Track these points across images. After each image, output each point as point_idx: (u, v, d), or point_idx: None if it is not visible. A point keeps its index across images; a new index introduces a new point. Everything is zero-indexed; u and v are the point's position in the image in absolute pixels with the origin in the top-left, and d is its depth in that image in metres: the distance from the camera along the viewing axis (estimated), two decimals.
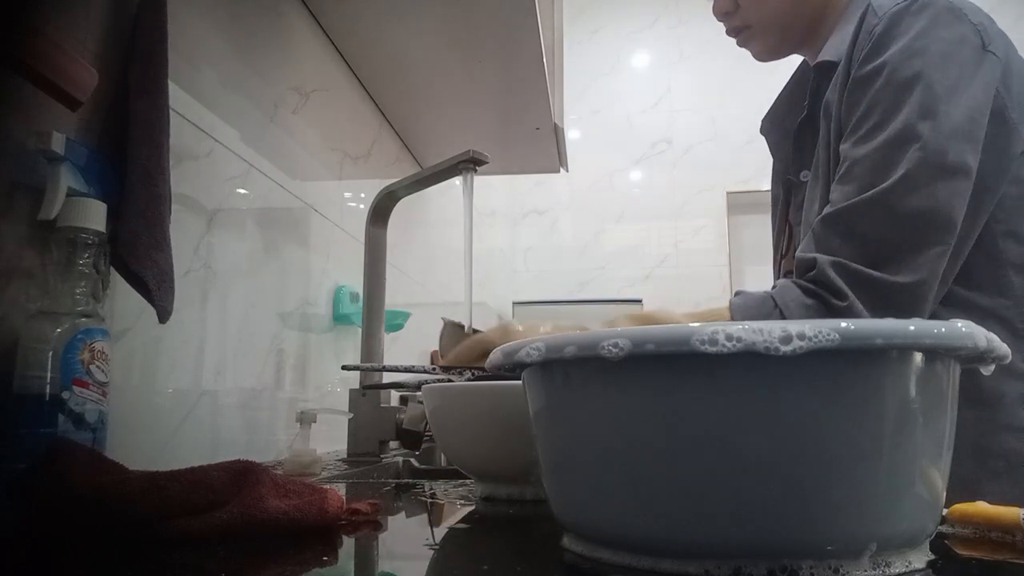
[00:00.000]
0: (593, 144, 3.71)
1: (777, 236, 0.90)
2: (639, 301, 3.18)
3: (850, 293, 0.64)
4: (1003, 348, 0.31)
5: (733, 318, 0.66)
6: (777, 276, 0.89)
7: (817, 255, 0.66)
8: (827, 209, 0.68)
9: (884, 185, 0.65)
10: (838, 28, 0.77)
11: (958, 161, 0.65)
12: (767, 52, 0.84)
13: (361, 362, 1.11)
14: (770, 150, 0.91)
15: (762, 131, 0.92)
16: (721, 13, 0.83)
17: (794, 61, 0.91)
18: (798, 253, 0.70)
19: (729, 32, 0.85)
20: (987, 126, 0.68)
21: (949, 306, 0.71)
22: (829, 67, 0.74)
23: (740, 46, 0.86)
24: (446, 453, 0.61)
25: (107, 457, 0.44)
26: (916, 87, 0.66)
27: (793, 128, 0.83)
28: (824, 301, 0.64)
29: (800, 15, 0.80)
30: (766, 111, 0.91)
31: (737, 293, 0.71)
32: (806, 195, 0.78)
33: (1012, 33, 0.75)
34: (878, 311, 0.63)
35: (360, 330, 1.14)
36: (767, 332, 0.27)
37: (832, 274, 0.64)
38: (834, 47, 0.74)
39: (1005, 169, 0.70)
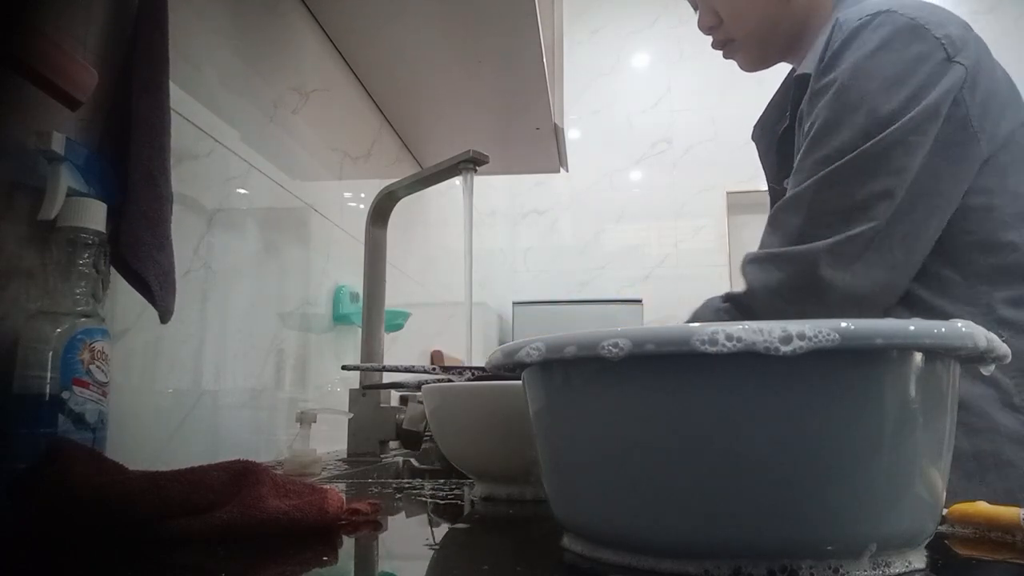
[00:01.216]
0: (593, 144, 3.72)
1: None
2: (639, 301, 3.18)
3: (751, 281, 0.71)
4: (1003, 348, 0.31)
5: None
6: None
7: (744, 260, 0.73)
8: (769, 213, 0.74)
9: (808, 183, 0.69)
10: (817, 42, 0.77)
11: (884, 166, 0.67)
12: (751, 63, 0.87)
13: (361, 362, 1.11)
14: (759, 156, 0.93)
15: (753, 138, 0.93)
16: (705, 28, 0.87)
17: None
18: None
19: (714, 45, 0.87)
20: (948, 132, 0.68)
21: (914, 309, 0.71)
22: (805, 79, 0.76)
23: (726, 58, 0.89)
24: (446, 453, 0.61)
25: (107, 457, 0.44)
26: (860, 110, 0.68)
27: (776, 138, 0.86)
28: (732, 299, 0.72)
29: (780, 29, 0.82)
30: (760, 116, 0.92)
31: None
32: None
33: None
34: (765, 266, 0.70)
35: (360, 330, 1.14)
36: (767, 332, 0.27)
37: (744, 267, 0.72)
38: (810, 60, 0.76)
39: (964, 177, 0.70)
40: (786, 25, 0.82)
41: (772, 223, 0.73)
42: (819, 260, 0.67)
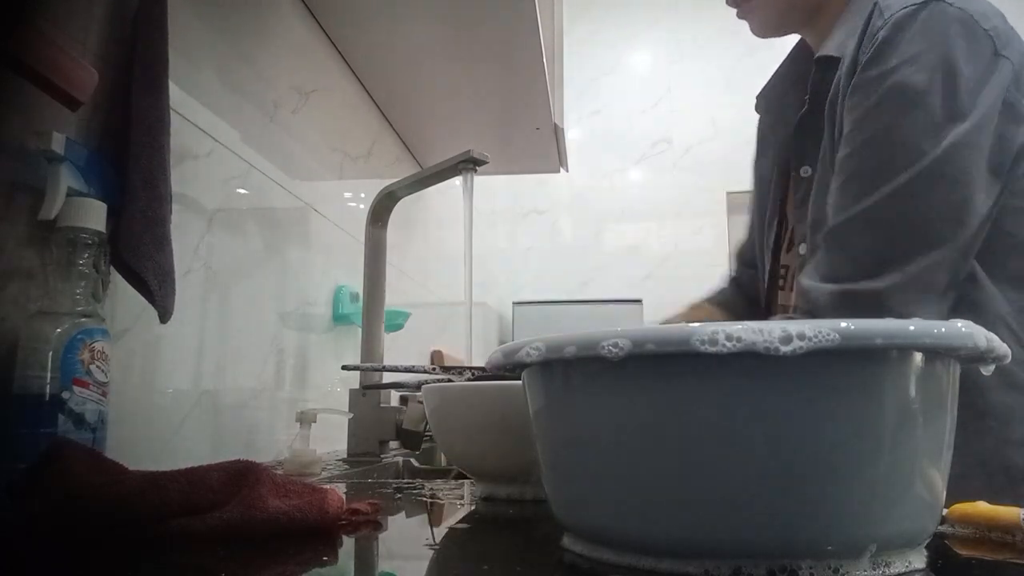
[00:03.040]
0: (593, 144, 3.71)
1: (767, 224, 0.87)
2: (639, 301, 3.18)
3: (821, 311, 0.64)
4: (1003, 348, 0.31)
5: None
6: (768, 269, 0.86)
7: (810, 286, 0.65)
8: (828, 226, 0.68)
9: (876, 198, 0.64)
10: (843, 20, 0.74)
11: (955, 173, 0.64)
12: (765, 27, 0.81)
13: (361, 362, 1.11)
14: (763, 129, 0.89)
15: (757, 109, 0.89)
16: None
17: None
18: (800, 278, 0.69)
19: (729, 2, 0.82)
20: (999, 124, 0.65)
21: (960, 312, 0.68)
22: (830, 62, 0.72)
23: (739, 18, 0.83)
24: (446, 453, 0.61)
25: (107, 457, 0.44)
26: (919, 104, 0.64)
27: (794, 120, 0.81)
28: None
29: None
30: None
31: None
32: (809, 192, 0.76)
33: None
34: (840, 310, 0.64)
35: (360, 330, 1.14)
36: (767, 332, 0.27)
37: (821, 302, 0.64)
38: (837, 42, 0.72)
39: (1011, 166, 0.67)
40: None
41: (839, 243, 0.67)
42: (891, 302, 0.63)
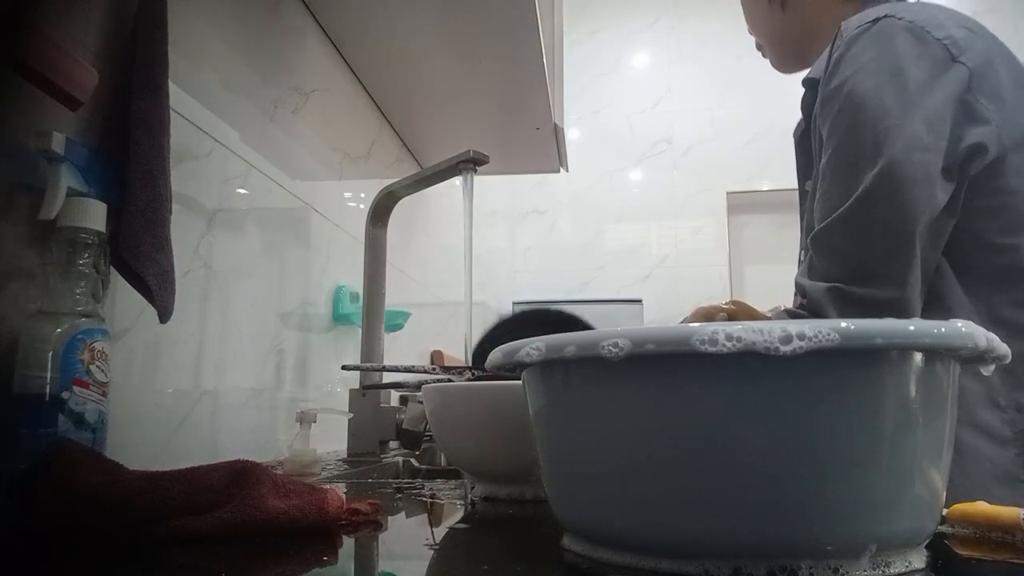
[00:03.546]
0: (593, 144, 3.71)
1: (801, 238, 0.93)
2: (639, 301, 3.17)
3: (836, 315, 0.66)
4: (1003, 348, 0.31)
5: None
6: None
7: (806, 283, 0.70)
8: (815, 225, 0.72)
9: (849, 202, 0.68)
10: (824, 47, 0.80)
11: (917, 171, 0.67)
12: (775, 65, 0.94)
13: (361, 362, 1.11)
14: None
15: (794, 135, 0.95)
16: (749, 33, 0.96)
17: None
18: (796, 277, 0.74)
19: (757, 47, 0.96)
20: (954, 123, 0.69)
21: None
22: (811, 84, 0.79)
23: (764, 57, 0.96)
24: (446, 453, 0.61)
25: (107, 457, 0.44)
26: (869, 105, 0.68)
27: (797, 140, 0.89)
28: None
29: (790, 36, 0.88)
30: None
31: None
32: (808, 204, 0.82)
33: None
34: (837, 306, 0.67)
35: (360, 330, 1.14)
36: (767, 332, 0.27)
37: (821, 300, 0.67)
38: (817, 65, 0.80)
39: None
40: (796, 32, 0.87)
41: (825, 246, 0.70)
42: (881, 308, 0.67)
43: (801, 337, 0.27)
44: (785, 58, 0.91)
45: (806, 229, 0.79)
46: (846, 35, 0.73)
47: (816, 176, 0.78)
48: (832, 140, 0.71)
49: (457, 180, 1.01)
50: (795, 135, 0.92)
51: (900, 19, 0.71)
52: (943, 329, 0.29)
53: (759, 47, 0.95)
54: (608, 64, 3.81)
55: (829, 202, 0.71)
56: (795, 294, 0.78)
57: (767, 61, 0.96)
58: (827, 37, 0.81)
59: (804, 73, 0.89)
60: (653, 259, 3.59)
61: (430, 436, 1.03)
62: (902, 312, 0.67)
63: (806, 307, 0.70)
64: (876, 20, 0.72)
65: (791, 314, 0.72)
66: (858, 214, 0.68)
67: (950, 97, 0.68)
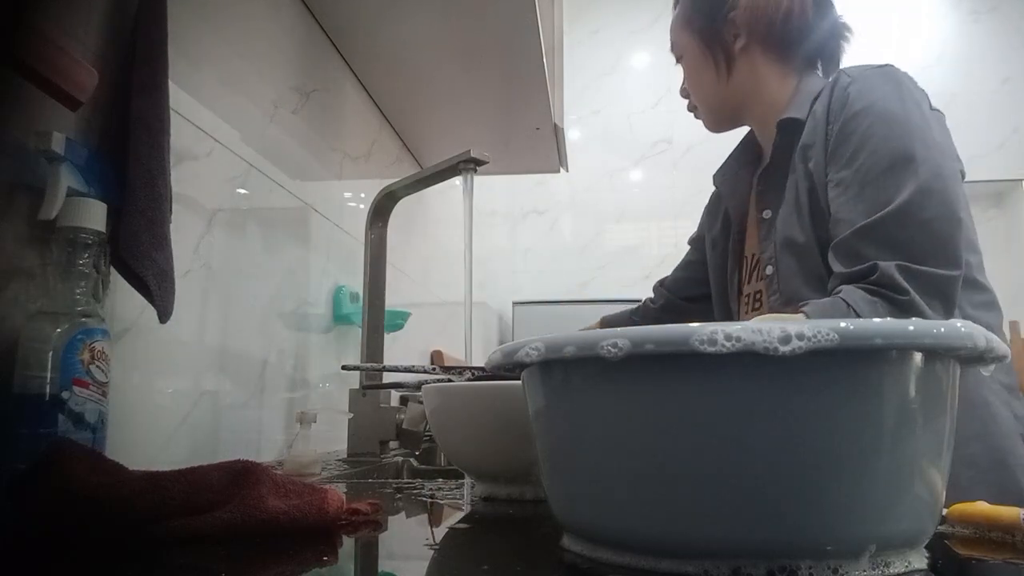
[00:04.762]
0: (593, 144, 3.71)
1: (728, 271, 1.00)
2: (639, 301, 3.17)
3: (911, 289, 0.71)
4: (1003, 348, 0.31)
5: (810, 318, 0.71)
6: (737, 308, 0.98)
7: (876, 261, 0.73)
8: (849, 227, 0.76)
9: (905, 196, 0.74)
10: (796, 96, 0.90)
11: (951, 170, 0.77)
12: (712, 127, 1.03)
13: (361, 362, 1.11)
14: (720, 200, 1.05)
15: (715, 183, 1.05)
16: (684, 93, 1.04)
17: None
18: (841, 269, 0.75)
19: (688, 108, 1.05)
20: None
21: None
22: (793, 123, 0.87)
23: (696, 118, 1.04)
24: (446, 453, 0.61)
25: (107, 457, 0.44)
26: (901, 119, 0.78)
27: (751, 177, 0.97)
28: (887, 298, 0.71)
29: (728, 103, 0.97)
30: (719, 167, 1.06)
31: (803, 304, 0.75)
32: (771, 228, 0.89)
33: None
34: (934, 301, 0.72)
35: (360, 330, 1.14)
36: (766, 332, 0.27)
37: (895, 274, 0.71)
38: (797, 107, 0.88)
39: None
40: (737, 99, 0.96)
41: (871, 240, 0.75)
42: (950, 290, 0.74)
43: (800, 337, 0.27)
44: (721, 122, 1.01)
45: (781, 243, 0.85)
46: (858, 74, 0.83)
47: (793, 199, 0.85)
48: (863, 152, 0.78)
49: (457, 180, 1.01)
50: (722, 178, 1.03)
51: (898, 70, 0.83)
52: (942, 329, 0.29)
53: (691, 108, 1.04)
54: (608, 64, 3.81)
55: (865, 203, 0.76)
56: (789, 303, 0.83)
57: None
58: (762, 103, 0.94)
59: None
60: (653, 259, 3.59)
61: (430, 436, 1.03)
62: (958, 289, 0.74)
63: (877, 282, 0.72)
64: (881, 66, 0.83)
65: (864, 289, 0.73)
66: (915, 205, 0.73)
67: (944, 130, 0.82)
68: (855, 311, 0.71)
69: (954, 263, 0.73)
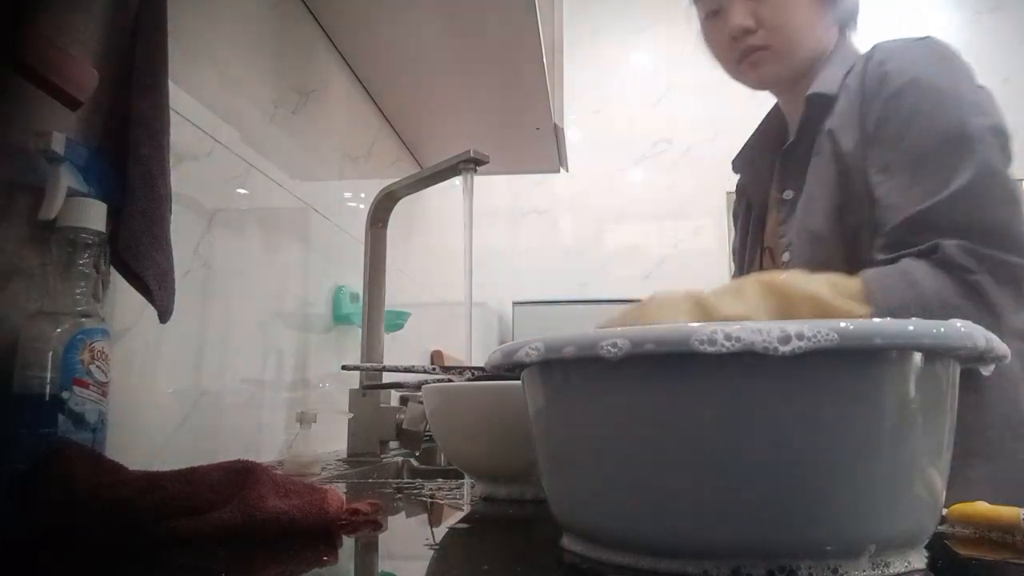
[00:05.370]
0: (593, 144, 3.71)
1: (749, 256, 0.92)
2: (639, 301, 3.17)
3: (977, 269, 0.65)
4: (1002, 348, 0.31)
5: (870, 288, 0.64)
6: None
7: (940, 240, 0.66)
8: (901, 215, 0.69)
9: (963, 182, 0.67)
10: (826, 66, 0.81)
11: (1008, 150, 0.70)
12: (773, 79, 0.85)
13: (361, 362, 1.11)
14: (742, 180, 0.97)
15: (735, 168, 0.97)
16: (740, 31, 0.82)
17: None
18: (896, 254, 0.70)
19: (742, 52, 0.84)
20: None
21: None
22: (822, 98, 0.79)
23: (747, 69, 0.85)
24: (446, 453, 0.61)
25: (107, 457, 0.44)
26: (951, 94, 0.71)
27: (777, 155, 0.87)
28: (953, 275, 0.65)
29: (812, 47, 0.83)
30: (744, 144, 0.96)
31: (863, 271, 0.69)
32: (792, 211, 0.81)
33: (1014, 32, 0.77)
34: (1005, 287, 0.66)
35: (360, 330, 1.14)
36: (766, 332, 0.27)
37: (960, 253, 0.65)
38: (826, 81, 0.79)
39: None
40: (818, 45, 0.83)
41: (933, 222, 0.68)
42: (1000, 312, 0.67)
43: (800, 337, 0.27)
44: (793, 70, 0.83)
45: (800, 228, 0.78)
46: (890, 48, 0.76)
47: (817, 180, 0.77)
48: (911, 131, 0.71)
49: (457, 180, 1.01)
50: (747, 158, 0.93)
51: (940, 41, 0.76)
52: (942, 329, 0.29)
53: (751, 50, 0.83)
54: (608, 64, 3.80)
55: (919, 186, 0.69)
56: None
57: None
58: (824, 57, 0.82)
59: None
60: (653, 259, 3.59)
61: (430, 436, 1.03)
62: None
63: (942, 260, 0.66)
64: (921, 38, 0.76)
65: (929, 263, 0.67)
66: (975, 188, 0.67)
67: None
68: (919, 285, 0.64)
69: (1020, 247, 0.67)
